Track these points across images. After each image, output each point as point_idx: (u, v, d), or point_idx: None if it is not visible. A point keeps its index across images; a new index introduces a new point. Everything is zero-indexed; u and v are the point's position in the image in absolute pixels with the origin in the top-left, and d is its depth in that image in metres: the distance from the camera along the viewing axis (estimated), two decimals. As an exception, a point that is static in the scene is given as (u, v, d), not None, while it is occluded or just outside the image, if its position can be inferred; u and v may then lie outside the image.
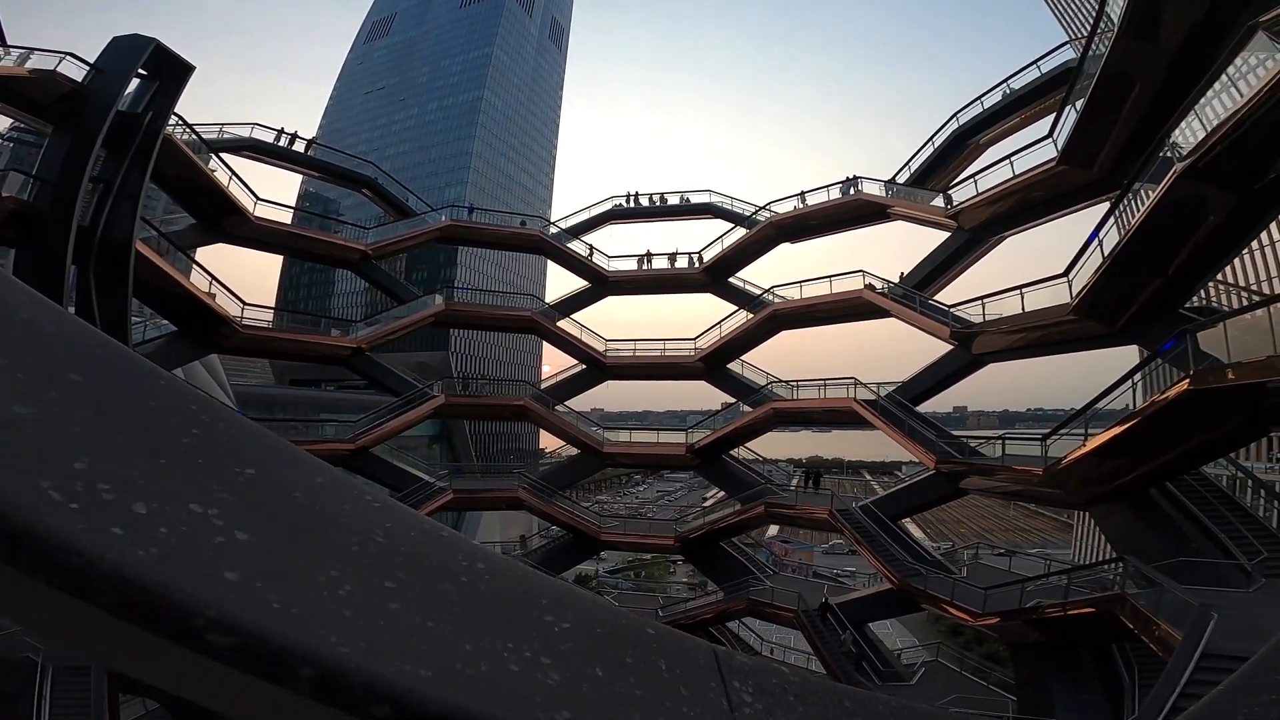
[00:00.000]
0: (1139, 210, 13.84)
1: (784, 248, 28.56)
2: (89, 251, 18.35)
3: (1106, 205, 20.42)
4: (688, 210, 31.28)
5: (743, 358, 28.71)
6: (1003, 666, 27.92)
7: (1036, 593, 16.88)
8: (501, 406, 30.32)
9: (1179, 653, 10.72)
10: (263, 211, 24.29)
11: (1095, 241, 15.19)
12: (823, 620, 22.11)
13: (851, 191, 25.27)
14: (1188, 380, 12.45)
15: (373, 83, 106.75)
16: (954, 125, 22.83)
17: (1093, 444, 15.11)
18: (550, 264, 33.03)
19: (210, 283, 22.08)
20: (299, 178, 63.59)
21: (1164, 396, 13.11)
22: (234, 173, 23.22)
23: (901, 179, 24.49)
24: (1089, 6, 50.12)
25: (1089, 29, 15.12)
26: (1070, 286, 16.27)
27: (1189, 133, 12.47)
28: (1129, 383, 15.83)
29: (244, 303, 23.51)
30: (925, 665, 22.31)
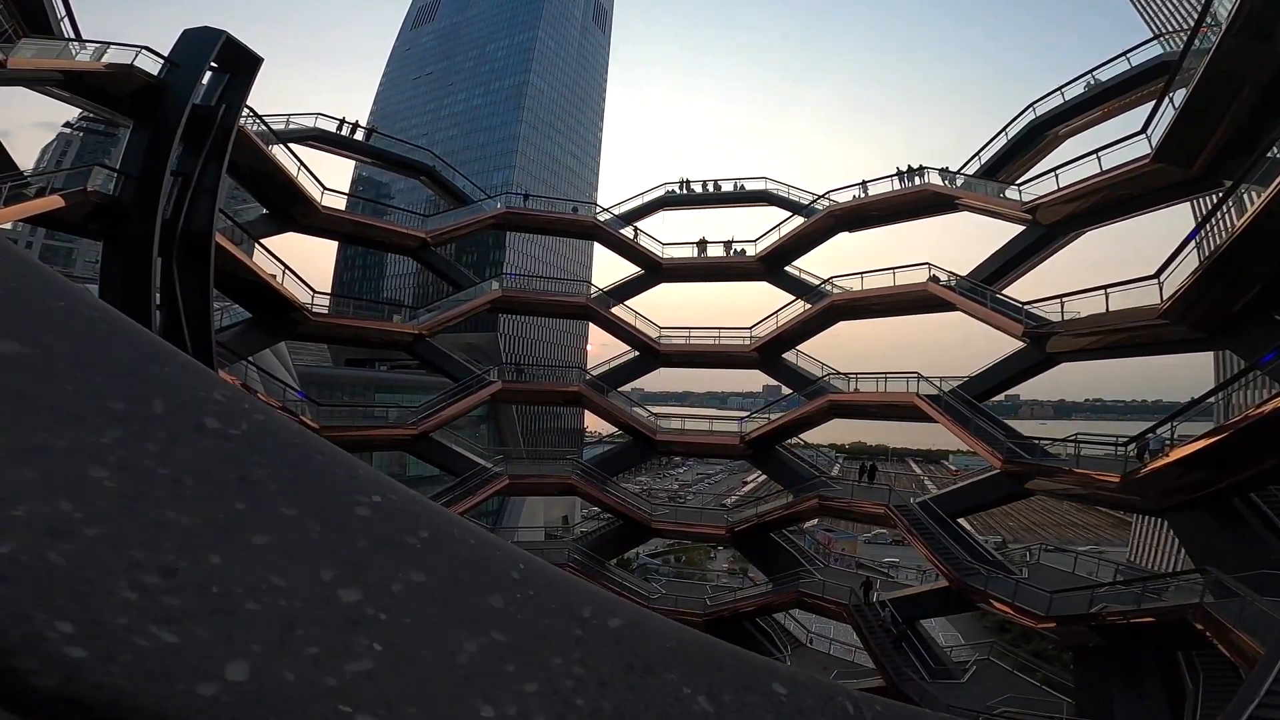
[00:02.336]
0: (1241, 213, 13.17)
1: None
2: (171, 244, 19.01)
3: (1188, 201, 19.60)
4: (743, 198, 30.89)
5: (797, 347, 28.44)
6: (1049, 663, 27.53)
7: (1103, 598, 16.55)
8: (556, 393, 30.73)
9: (1261, 665, 10.47)
10: (324, 199, 24.93)
11: (1192, 242, 14.51)
12: (865, 598, 22.45)
13: (916, 181, 24.58)
14: (1287, 395, 11.96)
15: (420, 68, 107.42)
16: (1029, 116, 21.92)
17: (1178, 454, 14.64)
18: (597, 245, 33.11)
19: (283, 272, 22.80)
20: (351, 163, 64.82)
21: (1260, 411, 12.61)
22: (302, 163, 23.79)
23: (970, 169, 23.68)
24: (1180, 3, 47.21)
25: (1190, 24, 14.31)
26: (1160, 288, 15.61)
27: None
28: (1217, 393, 15.27)
29: (314, 290, 24.23)
30: (977, 664, 22.12)
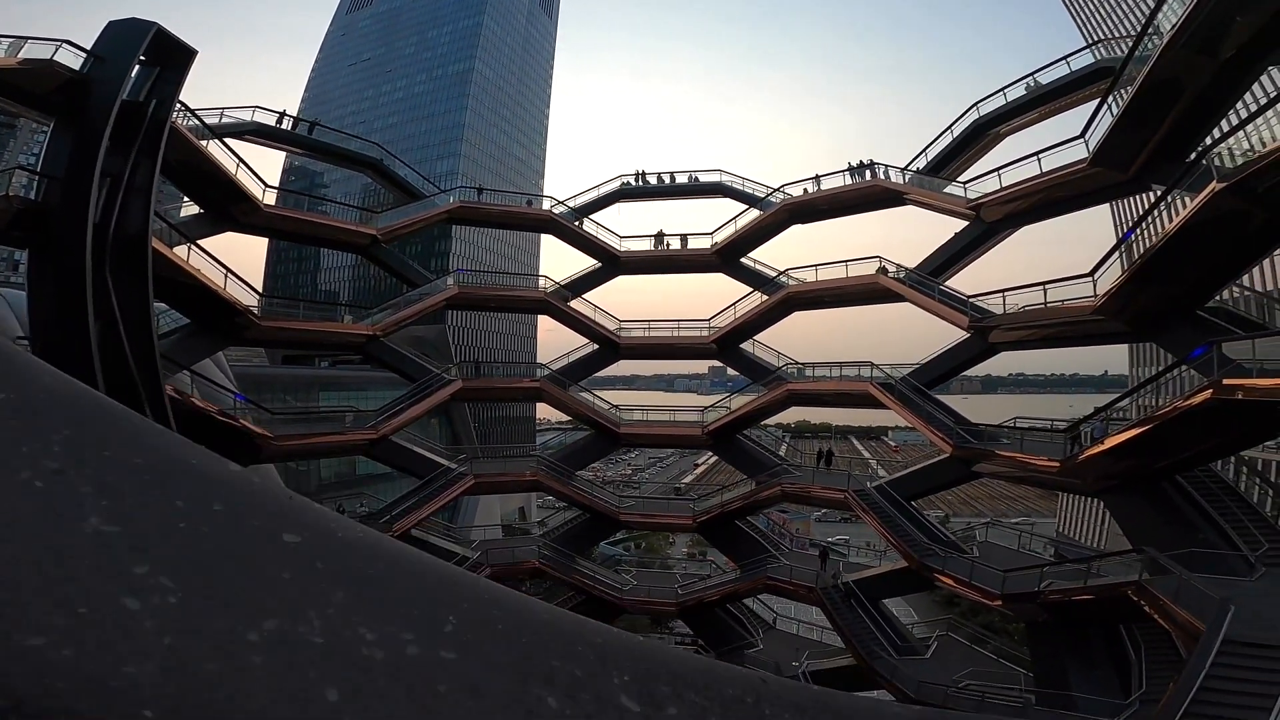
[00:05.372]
0: (1172, 216, 14.22)
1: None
2: (103, 249, 17.81)
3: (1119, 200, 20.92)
4: (698, 190, 31.10)
5: (754, 338, 29.04)
6: (998, 635, 29.37)
7: (1050, 575, 17.80)
8: (517, 389, 30.49)
9: (1204, 641, 11.58)
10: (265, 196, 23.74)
11: (1125, 243, 15.58)
12: (822, 566, 24.32)
13: (868, 176, 25.34)
14: (1210, 390, 13.05)
15: (357, 55, 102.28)
16: (974, 115, 22.87)
17: (1112, 442, 15.83)
18: (544, 236, 32.82)
19: (225, 275, 21.71)
20: (281, 153, 61.67)
21: (1188, 403, 13.76)
22: (241, 160, 22.59)
23: (917, 165, 24.57)
24: (1112, 13, 49.89)
25: (1124, 32, 15.24)
26: (1095, 285, 16.72)
27: (1232, 141, 12.76)
28: (1147, 385, 16.53)
29: (259, 293, 23.20)
30: (938, 639, 23.41)
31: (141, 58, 18.06)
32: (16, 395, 0.61)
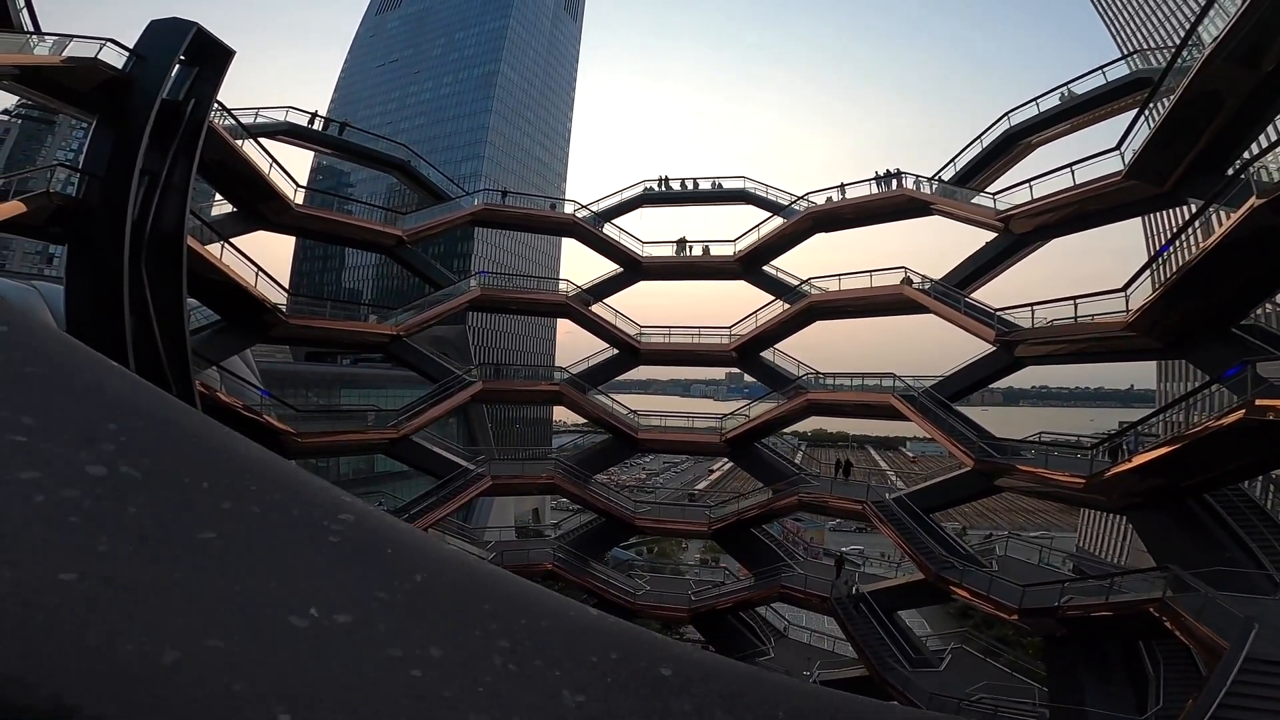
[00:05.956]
0: (1208, 232, 14.00)
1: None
2: (140, 246, 18.21)
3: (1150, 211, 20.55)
4: (721, 196, 31.10)
5: (775, 346, 28.92)
6: (1012, 648, 28.99)
7: (1069, 590, 17.53)
8: (537, 392, 30.65)
9: (1226, 658, 11.36)
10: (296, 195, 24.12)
11: (1160, 258, 15.33)
12: (837, 574, 24.53)
13: (894, 185, 25.18)
14: (1243, 410, 12.82)
15: (385, 55, 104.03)
16: (1005, 125, 22.63)
17: (1140, 460, 15.58)
18: (565, 239, 32.94)
19: (256, 273, 22.10)
20: (310, 153, 62.61)
21: (1219, 422, 13.52)
22: (274, 160, 23.01)
23: (945, 175, 24.35)
24: (1147, 22, 49.19)
25: (1159, 43, 15.04)
26: (1127, 301, 16.48)
27: (1271, 156, 12.54)
28: (1182, 401, 16.23)
29: (288, 291, 23.56)
30: (952, 651, 23.15)
31: (181, 57, 18.44)
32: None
